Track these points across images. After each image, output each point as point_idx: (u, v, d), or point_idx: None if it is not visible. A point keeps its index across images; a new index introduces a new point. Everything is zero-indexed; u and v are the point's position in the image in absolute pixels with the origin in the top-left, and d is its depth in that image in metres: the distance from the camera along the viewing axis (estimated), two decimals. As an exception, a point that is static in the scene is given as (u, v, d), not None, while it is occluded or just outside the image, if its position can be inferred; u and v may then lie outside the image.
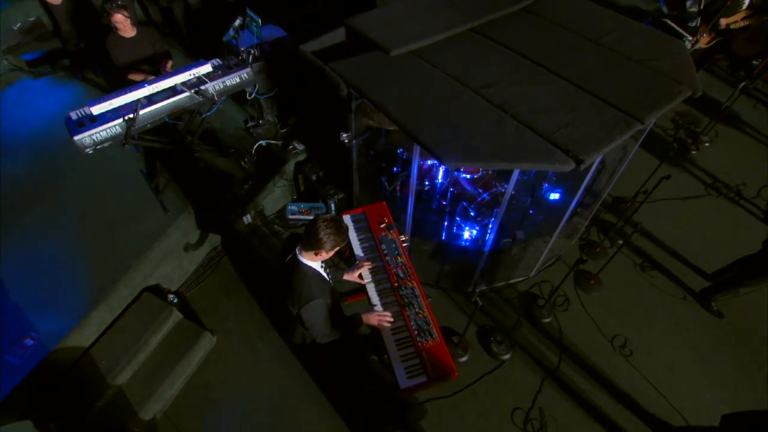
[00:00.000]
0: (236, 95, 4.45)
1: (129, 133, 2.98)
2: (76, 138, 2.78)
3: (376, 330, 2.49)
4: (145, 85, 3.03)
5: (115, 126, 2.97)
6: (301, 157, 4.38)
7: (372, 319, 2.44)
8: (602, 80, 2.89)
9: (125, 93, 2.98)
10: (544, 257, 3.81)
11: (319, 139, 4.37)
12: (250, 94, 4.03)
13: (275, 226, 4.30)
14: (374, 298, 2.61)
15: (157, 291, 3.54)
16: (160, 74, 3.43)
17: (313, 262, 2.18)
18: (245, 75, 3.56)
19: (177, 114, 3.32)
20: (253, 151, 4.31)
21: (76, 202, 3.78)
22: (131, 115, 2.94)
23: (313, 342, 2.43)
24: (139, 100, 2.98)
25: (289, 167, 4.34)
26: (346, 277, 2.67)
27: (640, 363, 3.46)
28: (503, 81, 2.92)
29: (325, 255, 2.13)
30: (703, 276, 4.00)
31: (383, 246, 2.84)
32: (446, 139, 2.51)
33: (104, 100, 2.93)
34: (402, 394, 2.41)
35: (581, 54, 3.11)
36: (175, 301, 3.58)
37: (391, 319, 2.46)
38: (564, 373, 3.41)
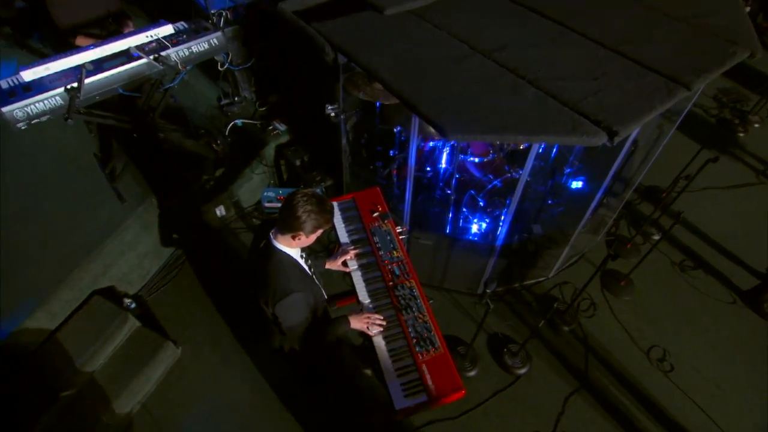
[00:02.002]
0: (209, 69, 4.49)
1: (73, 106, 2.82)
2: (4, 110, 2.63)
3: (367, 337, 2.37)
4: (92, 47, 2.90)
5: (55, 97, 2.83)
6: (283, 140, 4.35)
7: (359, 321, 2.31)
8: (638, 41, 2.76)
9: (66, 56, 2.84)
10: (566, 255, 3.76)
11: (303, 119, 4.33)
12: (223, 65, 3.95)
13: (254, 220, 4.24)
14: (362, 293, 2.50)
15: (111, 294, 3.44)
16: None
17: (291, 249, 2.05)
18: (215, 41, 3.47)
19: (134, 85, 3.18)
20: (227, 132, 4.28)
21: (12, 190, 3.66)
22: (75, 84, 2.79)
23: (291, 349, 2.32)
24: (83, 65, 2.83)
25: (269, 151, 4.31)
26: (328, 265, 2.59)
27: (683, 379, 3.36)
28: (519, 44, 2.82)
29: (305, 239, 1.99)
30: (755, 275, 3.91)
31: (376, 238, 2.73)
32: (450, 109, 2.38)
33: (39, 65, 2.79)
34: (398, 417, 2.29)
35: (612, 12, 3.01)
36: (133, 306, 3.49)
37: (383, 322, 2.33)
38: (591, 390, 3.31)
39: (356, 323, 2.31)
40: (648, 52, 2.67)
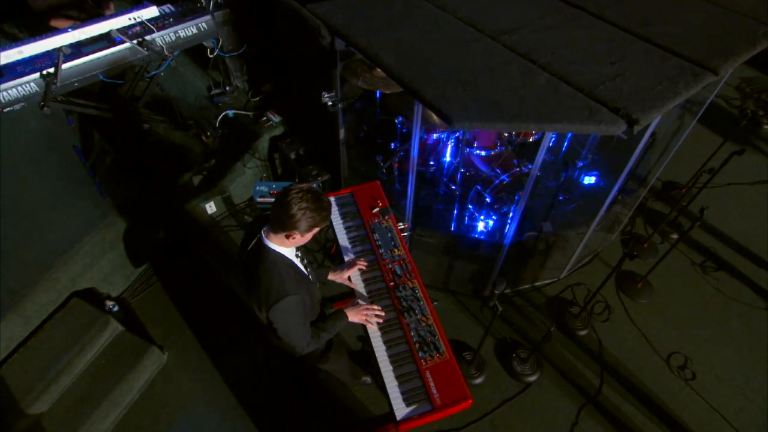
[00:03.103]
0: (198, 56, 4.47)
1: (49, 93, 2.79)
2: (-27, 97, 2.60)
3: (366, 342, 2.34)
4: (69, 30, 2.89)
5: (30, 83, 2.81)
6: (278, 131, 4.34)
7: (357, 314, 2.30)
8: (659, 23, 2.76)
9: (41, 39, 2.83)
10: (578, 254, 3.74)
11: (299, 109, 4.31)
12: (212, 52, 3.94)
13: (246, 217, 4.22)
14: (361, 295, 2.49)
15: (91, 296, 3.42)
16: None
17: (285, 248, 2.00)
18: (204, 25, 3.50)
19: (116, 71, 3.17)
20: (218, 124, 4.26)
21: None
22: (51, 69, 2.77)
23: (287, 354, 2.27)
24: (60, 49, 2.80)
25: (263, 143, 4.30)
26: (332, 277, 2.51)
27: (706, 389, 3.31)
28: (530, 26, 2.84)
29: (300, 239, 1.94)
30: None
31: (376, 235, 2.69)
32: (456, 96, 2.37)
33: (11, 48, 2.78)
34: (400, 428, 2.26)
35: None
36: (115, 309, 3.46)
37: (382, 313, 2.33)
38: (606, 399, 3.28)
39: (354, 316, 2.29)
40: (670, 34, 2.66)
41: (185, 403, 3.22)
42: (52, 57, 2.86)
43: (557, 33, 2.75)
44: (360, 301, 2.41)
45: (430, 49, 2.65)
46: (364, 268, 2.53)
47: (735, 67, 2.53)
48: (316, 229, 1.94)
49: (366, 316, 2.30)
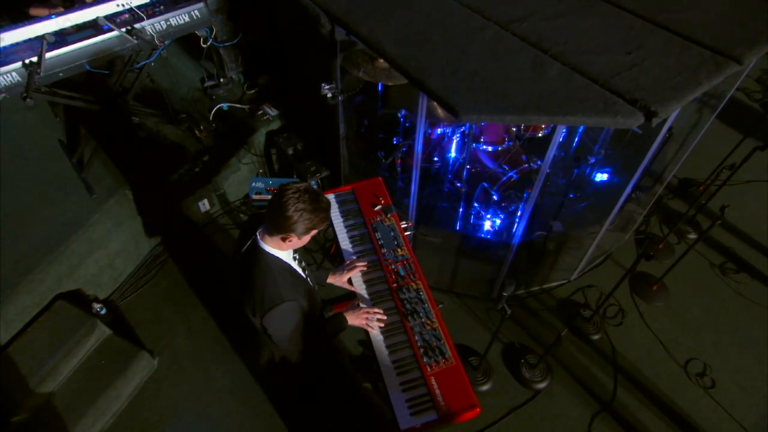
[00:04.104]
0: (190, 46, 4.46)
1: (32, 83, 2.79)
2: (-50, 88, 2.62)
3: (368, 347, 2.36)
4: (53, 17, 2.89)
5: (11, 72, 2.82)
6: (275, 126, 4.34)
7: (357, 317, 2.27)
8: (679, 9, 2.75)
9: (23, 26, 2.84)
10: (590, 255, 3.74)
11: (296, 103, 4.30)
12: (206, 42, 3.94)
13: (241, 216, 4.24)
14: (362, 297, 2.47)
15: (78, 298, 3.40)
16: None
17: (280, 251, 1.98)
18: (197, 13, 3.51)
19: (103, 60, 3.17)
20: (211, 117, 4.27)
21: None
22: (34, 59, 2.78)
23: (283, 361, 2.27)
24: (44, 37, 2.81)
25: (259, 138, 4.30)
26: (331, 280, 2.49)
27: (726, 397, 3.29)
28: (541, 13, 2.84)
29: (297, 241, 1.92)
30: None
31: (378, 234, 2.67)
32: (463, 87, 2.37)
33: None
34: None
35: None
36: (103, 311, 3.45)
37: (384, 317, 2.29)
38: (621, 407, 3.26)
39: (354, 320, 2.26)
40: (690, 21, 2.65)
41: (177, 411, 3.20)
42: (35, 45, 2.85)
43: (570, 21, 2.74)
44: (361, 304, 2.38)
45: (435, 39, 2.64)
46: (364, 269, 2.51)
47: (760, 57, 2.51)
48: (314, 232, 1.92)
49: (367, 320, 2.27)
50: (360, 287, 2.47)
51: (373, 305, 2.39)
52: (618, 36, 2.62)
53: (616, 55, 2.50)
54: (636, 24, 2.69)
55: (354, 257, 2.58)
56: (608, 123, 2.29)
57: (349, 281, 2.51)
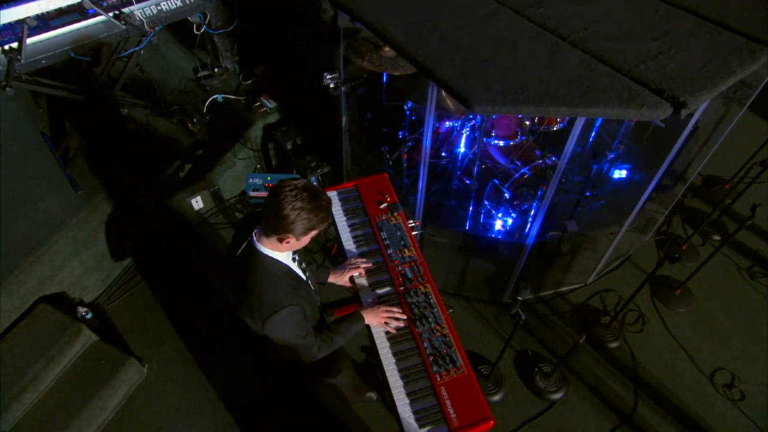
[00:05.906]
0: (183, 33, 4.46)
1: (12, 71, 2.80)
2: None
3: (373, 354, 2.29)
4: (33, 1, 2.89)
5: None
6: (272, 118, 4.36)
7: (375, 316, 2.28)
8: None
9: (2, 9, 2.82)
10: (608, 257, 3.74)
11: (296, 94, 4.32)
12: (199, 28, 3.91)
13: (237, 214, 4.25)
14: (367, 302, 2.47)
15: (61, 302, 3.43)
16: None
17: (279, 253, 1.96)
18: None
19: (88, 47, 3.17)
20: (205, 110, 4.29)
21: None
22: (14, 44, 2.79)
23: (282, 367, 2.30)
24: (24, 20, 2.79)
25: (256, 132, 4.32)
26: (332, 279, 2.49)
27: (757, 411, 3.27)
28: None
29: (295, 243, 1.89)
30: None
31: (384, 234, 2.66)
32: (476, 76, 2.34)
33: None
34: None
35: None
36: (89, 316, 3.48)
37: (403, 317, 2.31)
38: (642, 420, 3.25)
39: (372, 318, 2.27)
40: (721, 5, 2.63)
41: (167, 421, 3.21)
42: (15, 30, 2.84)
43: (590, 5, 2.72)
44: (377, 302, 2.38)
45: (446, 24, 2.61)
46: (368, 267, 2.51)
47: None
48: (314, 232, 1.89)
49: (386, 319, 2.27)
50: (365, 290, 2.47)
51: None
52: (642, 21, 2.60)
53: (641, 42, 2.48)
54: (662, 8, 2.67)
55: (358, 258, 2.57)
56: (633, 115, 2.25)
57: (352, 280, 2.51)
